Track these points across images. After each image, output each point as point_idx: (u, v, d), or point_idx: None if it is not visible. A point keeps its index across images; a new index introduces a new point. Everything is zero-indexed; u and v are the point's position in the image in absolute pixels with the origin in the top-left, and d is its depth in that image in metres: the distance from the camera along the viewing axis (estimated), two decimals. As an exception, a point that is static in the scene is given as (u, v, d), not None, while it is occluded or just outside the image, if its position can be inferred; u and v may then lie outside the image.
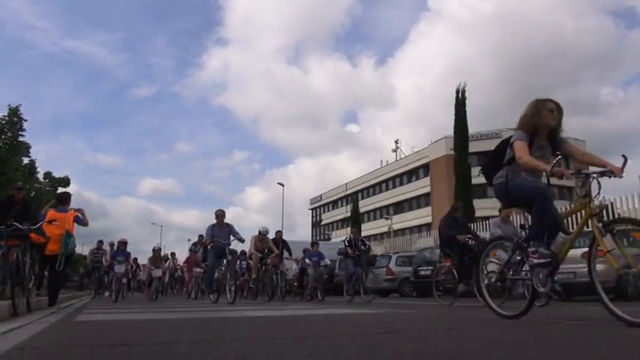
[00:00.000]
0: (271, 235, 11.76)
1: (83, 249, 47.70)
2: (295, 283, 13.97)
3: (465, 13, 78.94)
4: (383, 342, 2.57)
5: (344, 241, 10.87)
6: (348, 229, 41.85)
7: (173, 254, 18.21)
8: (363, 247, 10.56)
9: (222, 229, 9.36)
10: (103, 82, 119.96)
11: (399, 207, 52.58)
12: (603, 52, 77.42)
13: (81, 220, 7.23)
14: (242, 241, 9.68)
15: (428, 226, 40.97)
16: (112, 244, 14.24)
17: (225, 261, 9.06)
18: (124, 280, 12.58)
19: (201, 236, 14.23)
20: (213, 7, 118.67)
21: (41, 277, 7.40)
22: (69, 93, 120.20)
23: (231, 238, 9.38)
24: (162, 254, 15.36)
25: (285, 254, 12.29)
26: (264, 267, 10.97)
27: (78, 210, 7.32)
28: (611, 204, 14.66)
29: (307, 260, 11.87)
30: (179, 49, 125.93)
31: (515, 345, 2.38)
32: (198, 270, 13.56)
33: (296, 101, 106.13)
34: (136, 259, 18.51)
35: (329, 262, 11.65)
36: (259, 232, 11.38)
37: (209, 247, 9.50)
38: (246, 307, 7.57)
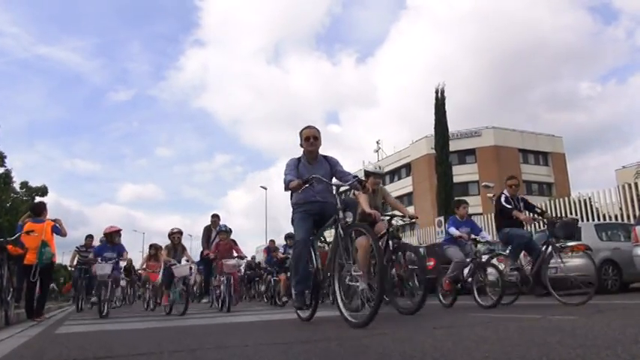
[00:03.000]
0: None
1: (63, 259, 46.78)
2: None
3: (444, 10, 79.84)
4: (370, 344, 2.56)
5: (498, 199, 6.36)
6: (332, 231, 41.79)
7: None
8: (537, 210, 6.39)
9: (317, 165, 4.64)
10: (78, 88, 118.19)
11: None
12: (581, 47, 79.11)
13: (59, 231, 7.10)
14: (361, 187, 4.34)
15: (410, 225, 41.21)
16: (90, 238, 11.43)
17: (340, 229, 3.98)
18: (114, 285, 8.85)
19: (215, 217, 10.07)
20: (190, 9, 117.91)
21: (20, 289, 7.23)
22: (43, 100, 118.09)
23: (334, 180, 4.54)
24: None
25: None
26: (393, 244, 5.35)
27: (54, 220, 7.18)
28: (589, 198, 14.95)
29: (454, 229, 6.58)
30: (156, 52, 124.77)
31: (500, 343, 2.39)
32: (231, 263, 8.29)
33: (277, 102, 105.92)
34: (130, 261, 15.16)
35: (489, 238, 6.93)
36: (368, 174, 5.92)
37: (293, 204, 4.62)
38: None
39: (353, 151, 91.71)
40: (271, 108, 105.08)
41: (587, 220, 13.70)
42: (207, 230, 9.88)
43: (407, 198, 50.41)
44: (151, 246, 11.59)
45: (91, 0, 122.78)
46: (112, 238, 8.35)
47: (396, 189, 51.88)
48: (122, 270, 11.78)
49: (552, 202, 16.33)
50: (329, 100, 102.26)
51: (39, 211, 7.18)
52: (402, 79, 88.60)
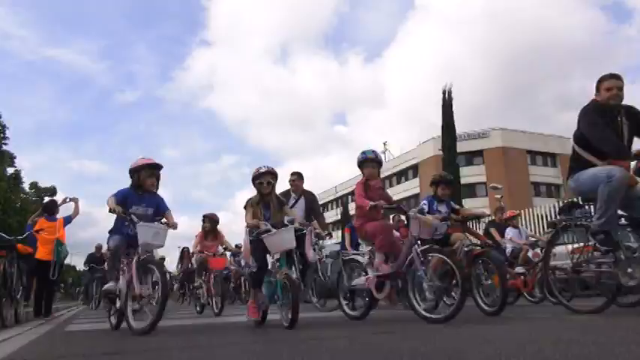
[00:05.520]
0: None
1: (72, 259, 47.19)
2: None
3: (453, 10, 79.61)
4: (380, 342, 2.55)
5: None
6: (339, 232, 41.80)
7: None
8: None
9: None
10: (86, 90, 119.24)
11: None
12: (593, 46, 78.58)
13: (70, 218, 7.19)
14: None
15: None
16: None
17: None
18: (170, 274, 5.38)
19: (296, 175, 6.60)
20: (196, 9, 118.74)
21: (29, 287, 7.29)
22: (51, 102, 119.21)
23: None
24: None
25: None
26: None
27: (72, 199, 7.26)
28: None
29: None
30: (163, 53, 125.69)
31: (511, 340, 2.37)
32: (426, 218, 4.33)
33: (283, 102, 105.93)
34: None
35: None
36: None
37: None
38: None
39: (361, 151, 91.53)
40: (278, 108, 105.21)
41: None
42: (285, 197, 6.30)
43: (414, 200, 50.34)
44: (205, 218, 7.57)
45: (97, 2, 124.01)
46: (145, 178, 4.28)
47: (402, 190, 51.79)
48: None
49: (560, 203, 16.22)
50: (336, 100, 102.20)
51: (51, 209, 7.25)
52: (410, 79, 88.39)
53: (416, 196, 49.56)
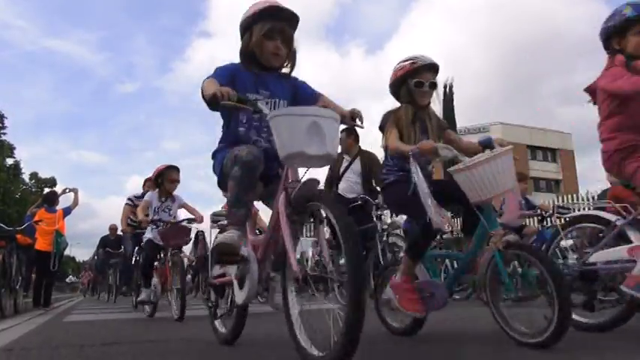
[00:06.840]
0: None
1: (72, 250, 47.33)
2: None
3: (457, 1, 79.38)
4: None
5: None
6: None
7: None
8: None
9: None
10: (85, 81, 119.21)
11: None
12: (597, 39, 78.38)
13: (70, 209, 7.21)
14: None
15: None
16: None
17: None
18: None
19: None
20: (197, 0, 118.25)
21: (29, 278, 7.31)
22: (50, 93, 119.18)
23: None
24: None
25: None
26: None
27: (71, 190, 7.28)
28: (598, 195, 14.81)
29: None
30: (162, 44, 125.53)
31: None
32: None
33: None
34: None
35: None
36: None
37: None
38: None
39: (362, 146, 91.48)
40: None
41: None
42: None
43: (413, 193, 50.46)
44: None
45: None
46: (259, 37, 2.14)
47: (402, 184, 51.90)
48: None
49: (560, 199, 16.23)
50: (337, 92, 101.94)
51: (52, 200, 7.26)
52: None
53: (416, 190, 49.67)
